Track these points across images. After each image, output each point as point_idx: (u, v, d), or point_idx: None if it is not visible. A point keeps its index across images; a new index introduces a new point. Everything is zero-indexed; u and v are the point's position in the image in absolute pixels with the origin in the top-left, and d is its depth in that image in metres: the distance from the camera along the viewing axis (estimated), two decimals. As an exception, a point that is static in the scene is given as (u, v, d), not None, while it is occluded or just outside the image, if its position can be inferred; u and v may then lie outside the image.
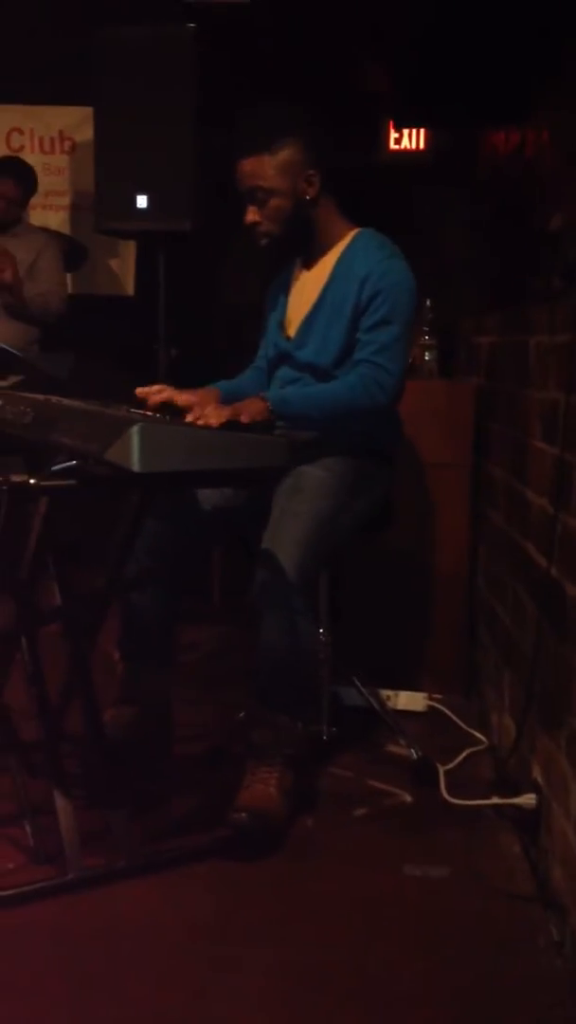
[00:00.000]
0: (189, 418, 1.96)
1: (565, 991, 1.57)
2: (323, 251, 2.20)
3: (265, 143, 2.09)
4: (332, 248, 2.19)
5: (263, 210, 2.12)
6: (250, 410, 1.98)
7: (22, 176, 3.51)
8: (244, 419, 1.94)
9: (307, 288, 2.23)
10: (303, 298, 2.23)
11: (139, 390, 2.09)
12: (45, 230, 3.69)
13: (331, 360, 2.15)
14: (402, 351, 2.11)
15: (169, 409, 2.07)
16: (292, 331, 2.24)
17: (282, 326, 2.28)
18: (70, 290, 3.85)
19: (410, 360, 2.94)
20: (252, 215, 2.13)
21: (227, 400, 2.16)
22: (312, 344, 2.18)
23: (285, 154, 2.10)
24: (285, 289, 2.31)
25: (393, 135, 4.08)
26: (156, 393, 2.07)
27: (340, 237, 2.19)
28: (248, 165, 2.10)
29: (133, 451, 1.64)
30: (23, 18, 3.73)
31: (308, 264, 2.24)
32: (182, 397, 2.06)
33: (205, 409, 1.94)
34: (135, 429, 1.64)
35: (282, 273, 2.34)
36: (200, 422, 1.91)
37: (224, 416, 1.92)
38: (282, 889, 1.83)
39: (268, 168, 2.09)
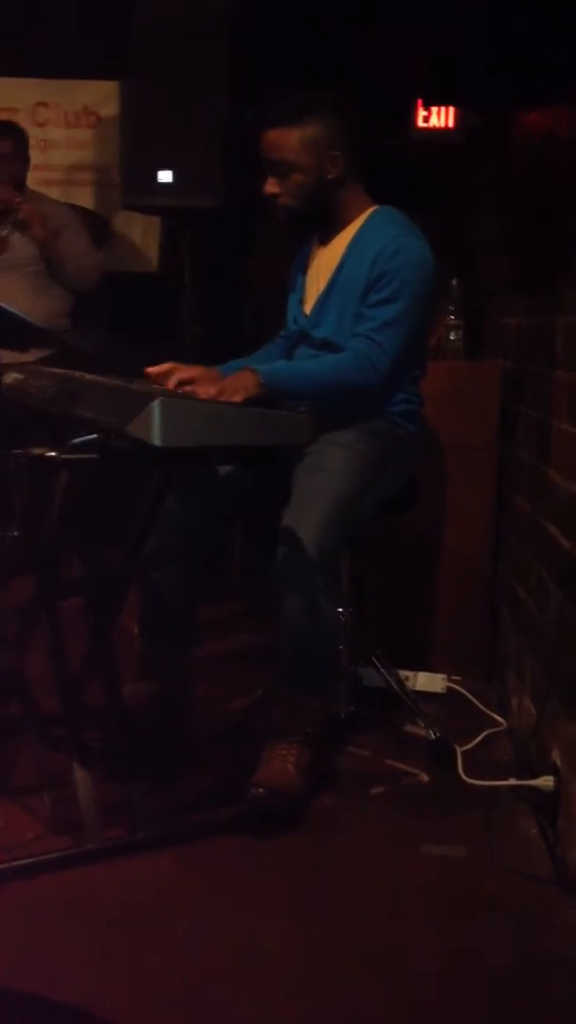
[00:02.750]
0: (172, 384, 1.97)
1: (581, 973, 1.57)
2: (340, 228, 2.19)
3: (294, 116, 2.08)
4: (348, 226, 2.18)
5: (284, 183, 2.11)
6: (240, 386, 1.95)
7: (12, 132, 3.37)
8: (237, 397, 1.92)
9: (323, 266, 2.21)
10: (319, 276, 2.22)
11: (148, 369, 2.09)
12: (65, 204, 3.57)
13: (346, 338, 2.13)
14: (403, 330, 2.08)
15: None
16: (309, 308, 2.23)
17: (301, 303, 2.27)
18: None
19: (435, 340, 2.93)
20: (272, 187, 2.12)
21: None
22: (327, 322, 2.17)
23: (312, 130, 2.08)
24: (304, 266, 2.30)
25: (422, 113, 4.03)
26: (165, 373, 2.06)
27: (358, 215, 2.18)
28: (274, 136, 2.09)
29: (154, 425, 1.63)
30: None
31: (325, 241, 2.23)
32: (184, 373, 2.05)
33: (199, 387, 1.93)
34: (156, 403, 1.64)
35: (302, 249, 2.33)
36: (174, 383, 1.91)
37: (211, 393, 1.91)
38: (299, 866, 1.84)
39: (294, 141, 2.08)
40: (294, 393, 2.05)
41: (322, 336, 2.18)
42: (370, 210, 2.18)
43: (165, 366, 2.08)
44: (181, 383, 2.02)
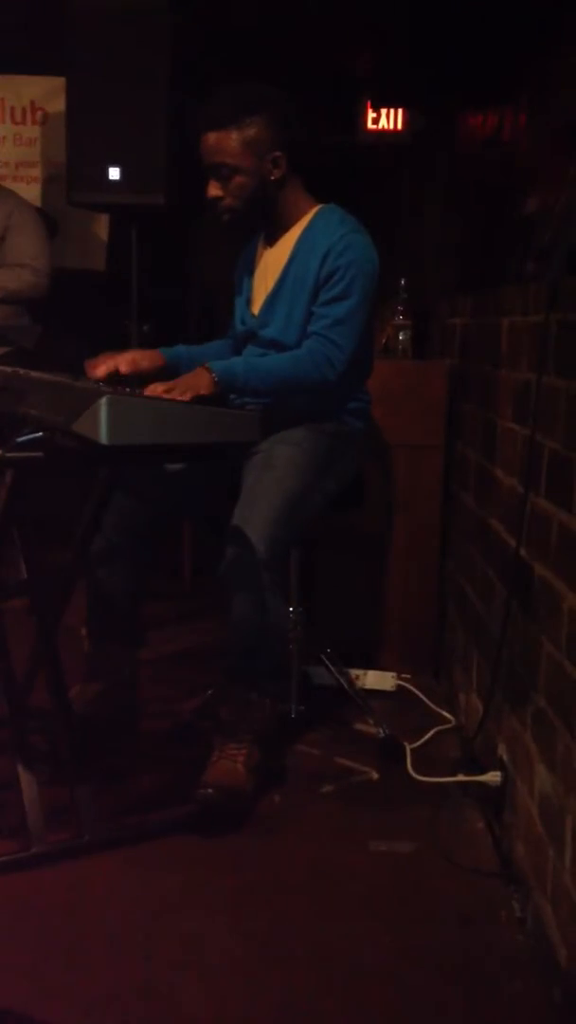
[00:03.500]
0: (125, 367, 1.99)
1: (525, 966, 1.59)
2: (286, 228, 2.18)
3: (233, 118, 2.05)
4: (294, 225, 2.17)
5: (226, 186, 2.09)
6: (194, 383, 1.95)
7: None
8: (186, 396, 1.91)
9: (270, 266, 2.21)
10: (266, 276, 2.22)
11: (87, 363, 2.07)
12: (15, 194, 3.45)
13: (295, 338, 2.14)
14: (356, 327, 2.09)
15: (121, 379, 2.06)
16: (256, 309, 2.23)
17: (248, 304, 2.26)
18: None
19: (384, 340, 2.95)
20: (214, 190, 2.10)
21: (177, 362, 2.17)
22: (276, 322, 2.17)
23: (252, 132, 2.06)
24: (249, 267, 2.29)
25: (371, 115, 4.05)
26: (99, 365, 2.05)
27: (303, 214, 2.17)
28: (214, 139, 2.06)
29: (101, 423, 1.62)
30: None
31: (271, 242, 2.22)
32: (118, 359, 2.06)
33: (156, 390, 1.92)
34: (103, 401, 1.62)
35: (246, 250, 2.32)
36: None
37: (158, 392, 1.90)
38: (248, 864, 1.84)
39: (234, 144, 2.05)
40: (249, 389, 2.05)
41: (270, 336, 2.18)
42: (315, 209, 2.18)
43: (98, 359, 2.08)
44: (118, 365, 2.03)
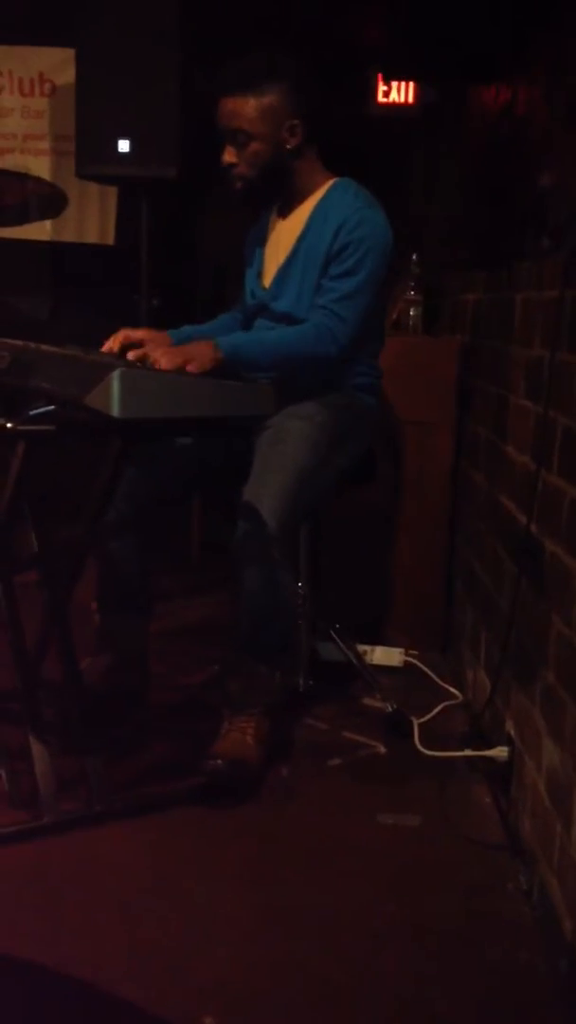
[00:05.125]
0: (131, 356, 1.97)
1: (529, 936, 1.60)
2: (299, 200, 2.17)
3: (251, 84, 2.03)
4: (308, 197, 2.16)
5: (241, 153, 2.07)
6: (199, 356, 1.94)
7: None
8: (193, 368, 1.90)
9: (282, 238, 2.20)
10: (279, 248, 2.20)
11: (103, 348, 2.08)
12: None
13: (306, 311, 2.13)
14: (363, 302, 2.08)
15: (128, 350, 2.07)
16: (268, 281, 2.22)
17: (259, 276, 2.25)
18: (49, 237, 3.77)
19: (395, 316, 2.94)
20: (230, 156, 2.08)
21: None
22: (288, 295, 2.16)
23: (270, 98, 2.04)
24: (261, 239, 2.27)
25: (382, 88, 4.00)
26: (113, 343, 2.07)
27: (317, 187, 2.16)
28: (231, 104, 2.05)
29: (113, 397, 1.62)
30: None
31: (284, 213, 2.21)
32: (135, 334, 2.06)
33: (155, 352, 1.90)
34: (115, 375, 1.62)
35: (258, 222, 2.31)
36: (136, 355, 1.89)
37: (174, 361, 1.89)
38: (256, 835, 1.85)
39: (251, 110, 2.04)
40: (254, 364, 2.04)
41: (282, 309, 2.17)
42: (330, 182, 2.16)
43: (117, 336, 2.08)
44: (132, 345, 2.02)
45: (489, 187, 2.94)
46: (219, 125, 2.08)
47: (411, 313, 2.90)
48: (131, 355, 2.02)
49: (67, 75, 3.46)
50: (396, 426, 2.75)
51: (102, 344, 2.11)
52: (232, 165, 2.09)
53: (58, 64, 3.68)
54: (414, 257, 2.93)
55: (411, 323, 2.91)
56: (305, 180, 2.15)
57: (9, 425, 1.71)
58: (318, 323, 2.06)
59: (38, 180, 3.75)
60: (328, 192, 2.15)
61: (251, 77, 2.04)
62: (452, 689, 2.50)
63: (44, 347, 1.92)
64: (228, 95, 2.05)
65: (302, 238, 2.14)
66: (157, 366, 1.89)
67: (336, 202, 2.11)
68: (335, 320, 2.05)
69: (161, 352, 1.91)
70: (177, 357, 1.90)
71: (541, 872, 1.67)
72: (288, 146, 2.09)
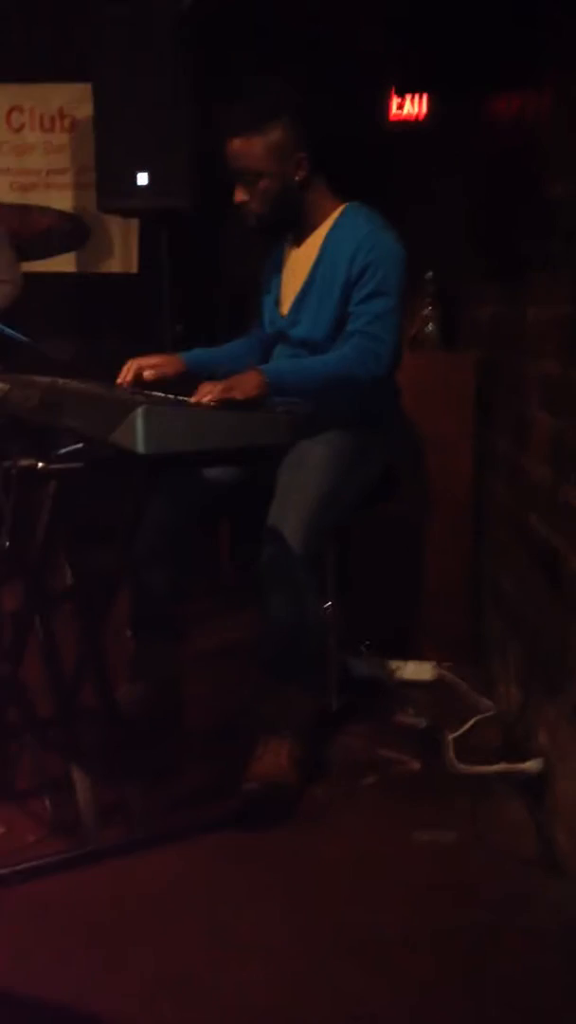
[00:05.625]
0: (147, 376, 2.10)
1: (565, 951, 1.62)
2: (312, 228, 2.21)
3: (256, 124, 2.08)
4: (320, 225, 2.20)
5: (252, 191, 2.12)
6: (244, 385, 1.98)
7: None
8: (238, 395, 1.94)
9: (298, 266, 2.24)
10: (294, 276, 2.25)
11: (118, 382, 2.16)
12: None
13: (324, 335, 2.17)
14: (395, 321, 2.12)
15: (155, 385, 2.14)
16: (285, 309, 2.26)
17: (277, 304, 2.30)
18: (74, 268, 3.86)
19: (413, 332, 2.97)
20: (240, 194, 2.14)
21: (198, 368, 2.23)
22: (305, 321, 2.20)
23: (275, 136, 2.09)
24: (277, 268, 2.32)
25: (395, 102, 4.04)
26: (127, 374, 2.14)
27: (328, 213, 2.20)
28: (238, 144, 2.10)
29: (138, 434, 1.67)
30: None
31: (298, 242, 2.25)
32: (149, 360, 2.15)
33: (202, 391, 1.96)
34: (139, 412, 1.67)
35: (273, 251, 2.35)
36: (193, 399, 1.94)
37: (217, 392, 1.94)
38: (293, 857, 1.88)
39: (258, 149, 2.09)
40: (299, 390, 2.06)
41: (300, 335, 2.22)
42: (340, 208, 2.20)
43: (128, 368, 2.16)
44: (143, 370, 2.13)
45: (501, 196, 2.96)
46: (228, 166, 2.13)
47: (427, 329, 2.93)
48: (147, 375, 2.12)
49: (86, 109, 3.55)
50: (418, 441, 2.78)
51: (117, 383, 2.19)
52: (244, 203, 2.14)
53: (77, 98, 3.77)
54: (429, 274, 2.96)
55: (428, 339, 2.93)
56: (316, 208, 2.19)
57: (40, 465, 1.78)
58: (357, 346, 2.09)
59: (61, 213, 3.85)
60: (339, 218, 2.19)
61: (255, 117, 2.09)
62: (485, 701, 2.51)
63: (71, 385, 1.98)
64: (234, 136, 2.10)
65: (317, 265, 2.18)
66: (200, 400, 1.93)
67: (348, 227, 2.16)
68: (373, 341, 2.09)
69: (207, 390, 1.94)
70: (224, 392, 1.94)
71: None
72: (296, 179, 2.13)
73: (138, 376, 2.15)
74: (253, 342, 2.41)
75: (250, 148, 2.09)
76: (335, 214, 2.20)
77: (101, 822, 1.84)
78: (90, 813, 1.82)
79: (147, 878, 1.80)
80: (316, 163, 2.15)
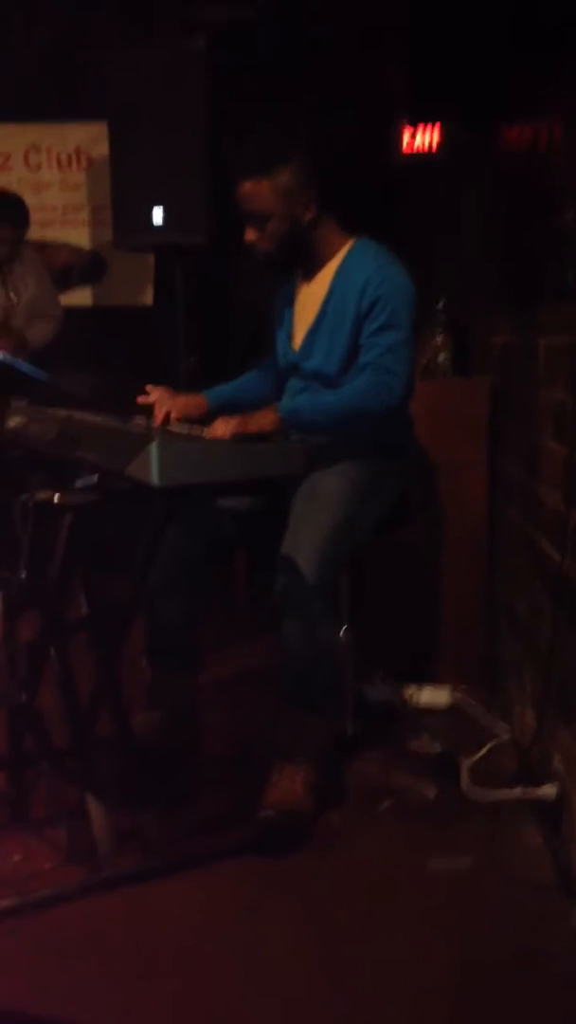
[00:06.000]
0: (176, 414, 2.24)
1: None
2: (322, 264, 2.26)
3: (264, 167, 2.13)
4: (330, 261, 2.25)
5: (262, 231, 2.18)
6: (259, 420, 2.04)
7: (17, 218, 3.47)
8: (253, 429, 2.02)
9: (309, 301, 2.29)
10: (305, 311, 2.29)
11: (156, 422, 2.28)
12: (35, 250, 3.67)
13: (336, 368, 2.21)
14: (407, 353, 2.16)
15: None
16: (297, 343, 2.31)
17: (289, 338, 2.34)
18: (91, 302, 3.93)
19: (425, 361, 3.00)
20: (251, 235, 2.19)
21: (221, 404, 2.34)
22: (317, 354, 2.24)
23: (284, 179, 2.14)
24: (289, 302, 2.37)
25: (407, 135, 4.10)
26: (157, 413, 2.27)
27: (337, 249, 2.25)
28: (247, 188, 2.15)
29: (152, 466, 1.71)
30: (37, 37, 3.82)
31: (308, 277, 2.30)
32: (176, 411, 2.27)
33: (216, 430, 2.03)
34: (154, 446, 1.71)
35: (285, 286, 2.40)
36: (209, 434, 2.00)
37: (232, 427, 2.00)
38: (309, 884, 1.89)
39: (267, 192, 2.14)
40: (315, 426, 2.12)
41: (312, 367, 2.26)
42: (349, 243, 2.25)
43: (158, 406, 2.27)
44: (171, 412, 2.24)
45: (513, 227, 3.00)
46: (239, 207, 2.19)
47: (439, 358, 2.96)
48: (174, 416, 2.23)
49: (102, 148, 3.63)
50: (432, 467, 2.80)
51: (140, 402, 2.32)
52: (254, 243, 2.20)
53: (94, 137, 3.86)
54: (440, 304, 2.99)
55: (440, 367, 2.97)
56: (325, 245, 2.24)
57: (58, 498, 1.82)
58: (371, 378, 2.13)
59: (78, 249, 3.93)
60: (348, 254, 2.23)
61: (264, 160, 2.14)
62: (500, 726, 2.52)
63: (87, 418, 2.03)
64: (244, 179, 2.15)
65: (327, 300, 2.23)
66: (213, 436, 2.02)
67: (357, 263, 2.20)
68: (386, 373, 2.12)
69: (222, 426, 2.04)
70: (239, 427, 2.03)
71: (591, 912, 1.68)
72: (305, 219, 2.18)
73: (167, 418, 2.27)
74: (267, 374, 2.45)
75: (259, 191, 2.14)
76: (344, 249, 2.24)
77: (117, 850, 1.85)
78: (106, 841, 1.84)
79: (163, 905, 1.82)
80: (324, 202, 2.20)
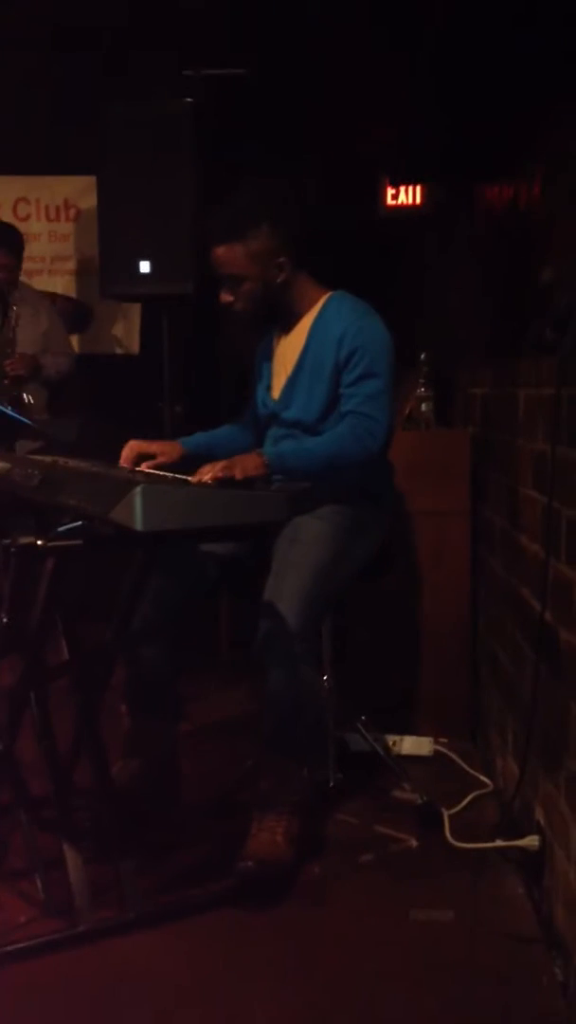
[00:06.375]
0: (146, 466, 2.21)
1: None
2: (298, 317, 2.31)
3: (237, 232, 2.19)
4: (306, 315, 2.30)
5: (237, 292, 2.23)
6: (244, 465, 2.06)
7: (13, 244, 3.50)
8: (238, 474, 2.02)
9: (287, 353, 2.34)
10: (284, 362, 2.34)
11: (121, 463, 2.27)
12: (42, 292, 3.73)
13: (315, 417, 2.25)
14: (386, 400, 2.20)
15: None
16: (277, 394, 2.35)
17: (269, 389, 2.38)
18: (77, 350, 3.96)
19: (407, 411, 3.04)
20: (226, 296, 2.25)
21: (197, 452, 2.34)
22: (296, 404, 2.29)
23: (255, 243, 2.19)
24: (268, 355, 2.42)
25: (390, 191, 4.20)
26: (128, 456, 2.26)
27: (313, 303, 2.30)
28: (221, 252, 2.21)
29: (136, 512, 1.71)
30: (29, 92, 3.90)
31: (286, 330, 2.35)
32: (150, 447, 2.27)
33: (203, 472, 2.03)
34: (138, 491, 1.72)
35: (264, 339, 2.46)
36: (194, 479, 2.00)
37: (217, 471, 2.01)
38: (289, 936, 1.86)
39: (240, 256, 2.19)
40: (300, 471, 2.15)
41: (291, 417, 2.29)
42: (324, 297, 2.30)
43: (129, 450, 2.26)
44: (142, 456, 2.24)
45: (494, 282, 3.07)
46: (214, 270, 2.25)
47: (423, 408, 3.00)
48: (145, 465, 2.19)
49: (90, 200, 3.70)
50: (415, 516, 2.82)
51: (121, 452, 2.29)
52: (231, 303, 2.25)
53: (82, 190, 3.93)
54: (423, 356, 3.04)
55: (423, 417, 3.00)
56: (301, 300, 2.29)
57: (39, 542, 1.82)
58: (353, 426, 2.17)
59: (66, 298, 3.97)
60: (324, 306, 2.29)
61: (236, 226, 2.20)
62: (482, 777, 2.51)
63: (71, 464, 2.04)
64: (217, 243, 2.21)
65: (305, 351, 2.28)
66: (201, 479, 2.03)
67: (334, 315, 2.25)
68: (367, 420, 2.16)
69: (207, 470, 2.04)
70: (224, 470, 2.04)
71: (575, 964, 1.66)
72: (278, 280, 2.24)
73: (137, 460, 2.26)
74: (244, 428, 2.50)
75: (232, 255, 2.19)
76: (321, 302, 2.30)
77: (94, 901, 1.82)
78: (83, 893, 1.80)
79: (140, 958, 1.78)
80: (297, 262, 2.26)
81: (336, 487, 2.22)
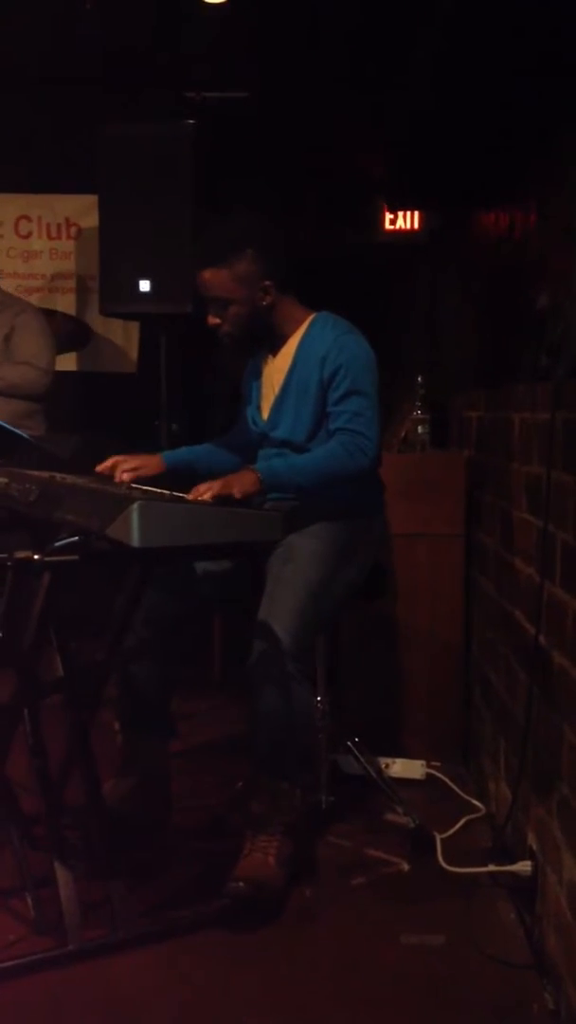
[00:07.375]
0: (127, 477, 2.20)
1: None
2: (285, 339, 2.34)
3: (223, 256, 2.22)
4: (292, 336, 2.33)
5: (223, 315, 2.26)
6: (241, 482, 2.06)
7: None
8: (236, 493, 2.03)
9: (274, 374, 2.37)
10: (272, 383, 2.37)
11: (97, 468, 2.27)
12: (21, 299, 3.64)
13: (304, 436, 2.28)
14: (374, 416, 2.22)
15: (146, 480, 2.24)
16: (265, 414, 2.38)
17: (258, 409, 2.40)
18: (76, 367, 3.98)
19: (403, 433, 3.06)
20: (213, 319, 2.28)
21: (178, 466, 2.36)
22: (284, 424, 2.31)
23: (241, 267, 2.22)
24: (256, 376, 2.45)
25: (388, 216, 4.25)
26: (112, 467, 2.24)
27: (298, 325, 2.33)
28: (207, 276, 2.23)
29: (133, 528, 1.72)
30: (32, 113, 3.94)
31: (273, 352, 2.39)
32: (130, 462, 2.25)
33: (200, 489, 2.04)
34: (135, 507, 1.72)
35: (252, 362, 2.49)
36: (191, 496, 2.01)
37: (216, 489, 2.01)
38: (280, 958, 1.85)
39: (226, 280, 2.22)
40: (293, 486, 2.17)
41: (280, 436, 2.32)
42: (309, 318, 2.33)
43: (109, 462, 2.26)
44: (124, 470, 2.22)
45: (490, 308, 3.09)
46: (200, 293, 2.27)
47: (418, 431, 3.01)
48: (124, 477, 2.19)
49: (91, 218, 3.73)
50: (409, 538, 2.83)
51: (98, 470, 2.28)
52: (217, 326, 2.27)
53: (83, 209, 3.96)
54: (419, 379, 3.06)
55: (419, 440, 3.02)
56: (286, 323, 2.32)
57: (36, 557, 1.81)
58: (343, 441, 2.19)
59: (66, 316, 3.99)
60: (308, 328, 2.31)
61: (222, 250, 2.23)
62: (475, 801, 2.50)
63: (68, 480, 2.04)
64: (204, 267, 2.23)
65: (291, 372, 2.31)
66: (198, 497, 2.02)
67: (317, 336, 2.28)
68: (357, 436, 2.18)
69: (205, 488, 2.05)
70: (222, 489, 2.04)
71: (567, 990, 1.65)
72: (264, 303, 2.26)
73: (114, 467, 2.25)
74: (227, 448, 2.51)
75: (218, 279, 2.22)
76: (306, 323, 2.33)
77: (85, 920, 1.81)
78: (73, 912, 1.79)
79: (130, 979, 1.77)
80: (282, 285, 2.28)
81: (328, 504, 2.23)
